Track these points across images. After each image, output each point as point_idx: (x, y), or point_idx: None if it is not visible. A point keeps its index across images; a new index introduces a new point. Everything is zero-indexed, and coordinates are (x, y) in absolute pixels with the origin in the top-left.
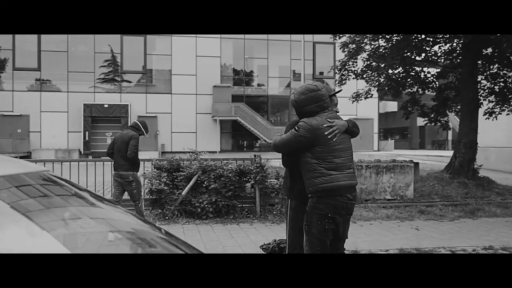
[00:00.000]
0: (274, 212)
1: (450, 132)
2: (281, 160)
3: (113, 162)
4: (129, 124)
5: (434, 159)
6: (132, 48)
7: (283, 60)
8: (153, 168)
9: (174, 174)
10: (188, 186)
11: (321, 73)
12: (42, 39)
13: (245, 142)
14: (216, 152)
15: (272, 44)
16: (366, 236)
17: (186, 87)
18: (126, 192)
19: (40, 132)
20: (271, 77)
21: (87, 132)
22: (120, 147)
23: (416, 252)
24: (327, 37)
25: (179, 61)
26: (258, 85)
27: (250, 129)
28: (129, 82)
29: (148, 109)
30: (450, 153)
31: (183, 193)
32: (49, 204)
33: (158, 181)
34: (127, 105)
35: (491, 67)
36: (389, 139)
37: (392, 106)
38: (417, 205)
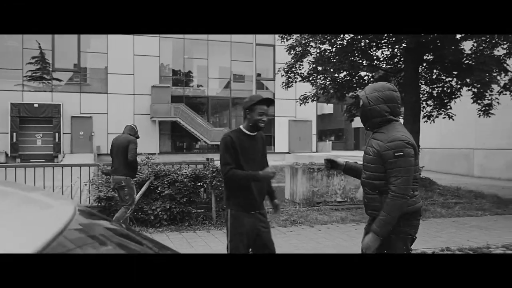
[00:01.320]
0: None
1: None
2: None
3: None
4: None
5: None
6: (65, 45)
7: (223, 61)
8: (100, 174)
9: None
10: (140, 192)
11: (259, 74)
12: None
13: (184, 143)
14: (155, 153)
15: (212, 45)
16: (327, 241)
17: (123, 87)
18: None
19: None
20: (211, 78)
21: (14, 133)
22: (118, 152)
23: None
24: (268, 39)
25: (116, 59)
26: (198, 85)
27: (190, 130)
28: (60, 80)
29: (82, 109)
30: None
31: (134, 200)
32: None
33: (106, 187)
34: (59, 104)
35: (433, 72)
36: (327, 140)
37: (328, 108)
38: None
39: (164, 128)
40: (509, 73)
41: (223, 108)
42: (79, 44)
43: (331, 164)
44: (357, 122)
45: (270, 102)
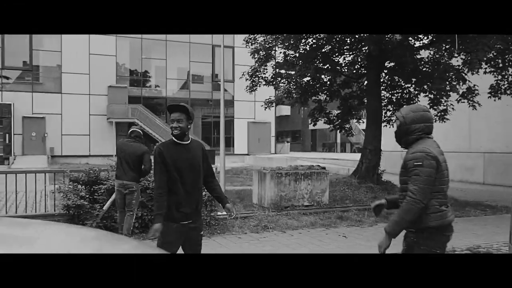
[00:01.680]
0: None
1: (338, 135)
2: None
3: (116, 170)
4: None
5: (332, 163)
6: (15, 42)
7: (182, 61)
8: (68, 181)
9: (93, 187)
10: (110, 200)
11: (217, 75)
12: None
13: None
14: (112, 155)
15: (170, 45)
16: (300, 246)
17: (78, 87)
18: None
19: None
20: (169, 79)
21: None
22: (129, 158)
23: None
24: (227, 41)
25: (70, 58)
26: (156, 86)
27: (148, 131)
28: (7, 78)
29: (35, 109)
30: (341, 155)
31: (104, 208)
32: None
33: (75, 195)
34: (10, 104)
35: (394, 79)
36: (285, 142)
37: (285, 110)
38: (334, 210)
39: (121, 130)
40: (467, 82)
41: None
42: (31, 42)
43: (379, 208)
44: (319, 124)
45: (180, 108)
